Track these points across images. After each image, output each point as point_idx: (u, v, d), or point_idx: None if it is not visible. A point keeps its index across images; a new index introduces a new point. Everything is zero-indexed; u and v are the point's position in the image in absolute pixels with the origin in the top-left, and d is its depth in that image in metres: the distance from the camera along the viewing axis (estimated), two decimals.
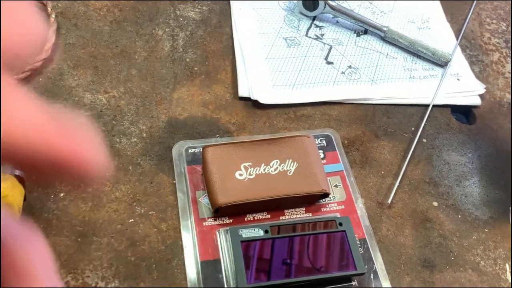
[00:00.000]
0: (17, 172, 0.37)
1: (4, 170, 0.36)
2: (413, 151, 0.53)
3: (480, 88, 0.60)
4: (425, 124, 0.55)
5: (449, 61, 0.61)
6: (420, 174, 0.52)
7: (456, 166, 0.53)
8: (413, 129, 0.55)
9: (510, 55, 0.66)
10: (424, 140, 0.55)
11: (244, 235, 0.41)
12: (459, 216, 0.49)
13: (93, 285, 0.40)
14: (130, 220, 0.44)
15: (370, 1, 0.68)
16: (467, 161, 0.54)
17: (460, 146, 0.55)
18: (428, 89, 0.59)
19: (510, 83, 0.63)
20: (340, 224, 0.44)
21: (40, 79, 0.52)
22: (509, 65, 0.65)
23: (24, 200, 0.41)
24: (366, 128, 0.55)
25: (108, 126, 0.49)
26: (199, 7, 0.63)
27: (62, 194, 0.44)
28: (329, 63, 0.60)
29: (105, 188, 0.45)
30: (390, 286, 0.43)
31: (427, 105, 0.57)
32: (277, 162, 0.46)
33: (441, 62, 0.61)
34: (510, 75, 0.64)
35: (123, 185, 0.46)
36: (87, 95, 0.51)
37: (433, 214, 0.49)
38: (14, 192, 0.37)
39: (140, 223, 0.44)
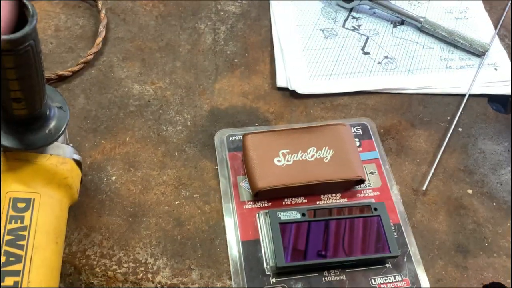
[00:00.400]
0: (75, 156, 0.41)
1: (64, 154, 0.40)
2: (448, 140, 0.54)
3: None
4: (461, 113, 0.56)
5: (486, 51, 0.61)
6: (455, 163, 0.53)
7: (492, 154, 0.54)
8: (449, 118, 0.56)
9: None
10: (460, 129, 0.55)
11: (282, 218, 0.44)
12: (494, 204, 0.50)
13: (143, 261, 0.43)
14: (176, 202, 0.47)
15: None
16: (503, 150, 0.54)
17: (496, 135, 0.55)
18: (465, 79, 0.59)
19: None
20: (375, 209, 0.45)
21: (92, 71, 0.56)
22: None
23: (81, 182, 0.45)
24: (402, 117, 0.56)
25: (155, 115, 0.53)
26: (239, 1, 0.65)
27: (114, 178, 0.48)
28: (365, 53, 0.61)
29: (153, 172, 0.49)
30: (423, 269, 0.45)
31: (464, 95, 0.58)
32: (313, 149, 0.48)
33: (478, 52, 0.61)
34: None
35: (170, 170, 0.49)
36: (135, 86, 0.55)
37: (467, 201, 0.50)
38: (73, 174, 0.40)
39: (186, 205, 0.47)
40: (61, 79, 0.54)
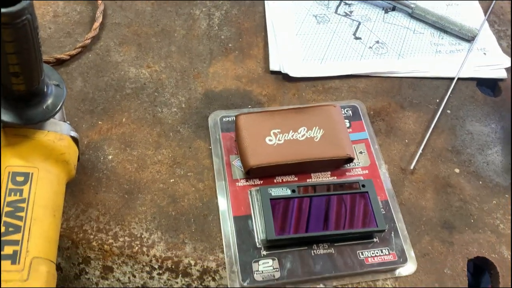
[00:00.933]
0: (72, 134, 0.43)
1: (61, 131, 0.41)
2: (437, 121, 0.55)
3: (507, 61, 0.61)
4: (450, 96, 0.57)
5: (475, 36, 0.62)
6: (443, 143, 0.54)
7: (479, 136, 0.55)
8: (437, 101, 0.57)
9: None
10: (448, 111, 0.57)
11: (273, 194, 0.45)
12: (480, 182, 0.52)
13: (139, 235, 0.45)
14: (171, 180, 0.48)
15: None
16: (491, 131, 0.56)
17: (484, 117, 0.57)
18: (454, 63, 0.60)
19: None
20: (363, 185, 0.47)
21: (90, 55, 0.57)
22: None
23: (78, 160, 0.46)
24: (392, 99, 0.57)
25: (151, 97, 0.54)
26: None
27: (110, 157, 0.49)
28: (357, 38, 0.62)
29: (148, 152, 0.50)
30: (410, 244, 0.46)
31: (453, 78, 0.59)
32: (304, 129, 0.50)
33: (467, 37, 0.63)
34: None
35: (165, 150, 0.50)
36: (131, 70, 0.56)
37: (454, 180, 0.51)
38: (70, 150, 0.42)
39: (180, 182, 0.48)
40: (60, 62, 0.56)
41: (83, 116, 0.52)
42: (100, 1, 0.61)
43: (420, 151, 0.52)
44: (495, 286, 0.46)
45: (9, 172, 0.39)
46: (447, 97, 0.57)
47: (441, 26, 0.64)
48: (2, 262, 0.35)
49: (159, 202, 0.47)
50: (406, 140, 0.54)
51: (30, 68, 0.34)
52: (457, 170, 0.52)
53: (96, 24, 0.59)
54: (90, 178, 0.48)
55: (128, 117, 0.52)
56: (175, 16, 0.62)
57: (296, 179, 0.49)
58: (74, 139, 0.43)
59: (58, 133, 0.41)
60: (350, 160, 0.50)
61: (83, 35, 0.59)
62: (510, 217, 0.50)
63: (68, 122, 0.43)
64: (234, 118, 0.50)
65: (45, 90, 0.39)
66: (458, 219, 0.49)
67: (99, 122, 0.52)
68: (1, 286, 0.35)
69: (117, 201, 0.47)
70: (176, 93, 0.55)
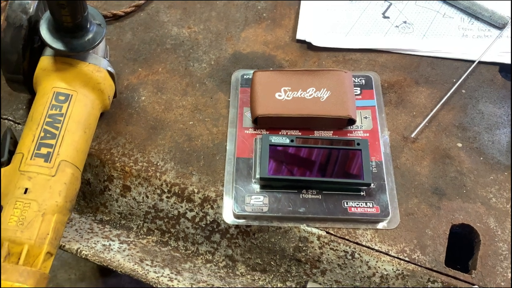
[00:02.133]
0: (109, 68, 0.51)
1: (100, 64, 0.50)
2: (449, 99, 0.57)
3: None
4: (468, 77, 0.59)
5: (506, 23, 0.63)
6: (451, 119, 0.56)
7: (490, 116, 0.56)
8: (454, 80, 0.59)
9: None
10: (463, 91, 0.58)
11: (273, 140, 0.51)
12: (481, 158, 0.53)
13: (155, 162, 0.52)
14: (190, 122, 0.55)
15: None
16: (503, 113, 0.56)
17: (500, 99, 0.58)
18: (479, 47, 0.61)
19: None
20: (358, 144, 0.51)
21: (141, 14, 0.66)
22: None
23: (115, 96, 0.55)
24: (408, 75, 0.60)
25: (186, 53, 0.62)
26: None
27: (143, 98, 0.57)
28: (385, 17, 0.65)
29: (175, 97, 0.57)
30: (397, 203, 0.49)
31: (475, 61, 0.60)
32: (313, 89, 0.54)
33: (498, 24, 0.63)
34: None
35: (190, 97, 0.57)
36: (174, 29, 0.64)
37: (454, 153, 0.53)
38: (105, 82, 0.50)
39: (197, 125, 0.55)
40: (116, 18, 0.65)
41: (127, 63, 0.61)
42: None
43: (424, 122, 0.55)
44: (475, 252, 0.48)
45: (54, 92, 0.48)
46: (463, 76, 0.59)
47: (472, 12, 0.65)
48: (37, 159, 0.44)
49: (177, 138, 0.54)
50: (414, 113, 0.56)
51: (73, 0, 0.43)
52: (459, 144, 0.54)
53: None
54: (123, 112, 0.56)
55: (164, 68, 0.60)
56: None
57: (299, 133, 0.54)
58: (111, 74, 0.51)
59: (97, 65, 0.50)
60: (352, 121, 0.53)
61: None
62: (505, 193, 0.51)
63: (108, 59, 0.51)
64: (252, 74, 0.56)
65: (88, 26, 0.47)
66: (451, 188, 0.51)
67: (139, 69, 0.60)
68: (34, 175, 0.44)
69: (142, 134, 0.54)
70: (209, 51, 0.62)
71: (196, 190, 0.51)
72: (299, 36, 0.63)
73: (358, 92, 0.57)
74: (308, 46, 0.63)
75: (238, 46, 0.62)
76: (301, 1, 0.67)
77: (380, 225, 0.49)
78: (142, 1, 0.66)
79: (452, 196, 0.51)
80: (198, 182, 0.51)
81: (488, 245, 0.48)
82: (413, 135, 0.54)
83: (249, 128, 0.54)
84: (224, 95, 0.58)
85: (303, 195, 0.49)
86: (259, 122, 0.53)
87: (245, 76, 0.58)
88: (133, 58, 0.61)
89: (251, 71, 0.59)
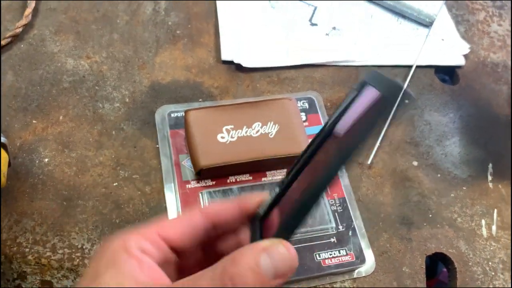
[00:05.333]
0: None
1: None
2: (395, 112, 0.53)
3: (465, 48, 0.60)
4: (408, 85, 0.56)
5: (433, 21, 0.61)
6: (401, 135, 0.53)
7: (438, 126, 0.54)
8: None
9: (496, 14, 0.65)
10: (407, 101, 0.55)
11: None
12: (439, 175, 0.50)
13: (79, 246, 0.41)
14: (114, 184, 0.45)
15: None
16: (449, 121, 0.55)
17: (442, 106, 0.55)
18: (412, 50, 0.59)
19: (495, 43, 0.62)
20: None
21: (21, 45, 0.52)
22: (495, 24, 0.64)
23: (9, 166, 0.42)
24: (349, 90, 0.55)
25: (91, 91, 0.50)
26: None
27: (46, 160, 0.45)
28: (313, 24, 0.59)
29: (89, 153, 0.46)
30: (368, 243, 0.45)
31: (411, 66, 0.57)
32: (259, 124, 0.47)
33: (426, 22, 0.61)
34: (495, 34, 0.63)
35: (107, 150, 0.46)
36: (69, 61, 0.51)
37: (412, 173, 0.50)
38: None
39: (124, 186, 0.45)
40: None
41: (15, 114, 0.47)
42: None
43: (377, 144, 0.51)
44: (453, 281, 0.46)
45: None
46: (405, 86, 0.55)
47: (400, 11, 0.61)
48: None
49: (102, 208, 0.43)
50: None
51: None
52: (415, 163, 0.51)
53: (29, 10, 0.53)
54: (24, 184, 0.43)
55: (65, 115, 0.48)
56: (118, 0, 0.57)
57: (250, 178, 0.46)
58: (2, 145, 0.39)
59: None
60: None
61: (13, 22, 0.53)
62: (468, 210, 0.49)
63: None
64: (184, 113, 0.47)
65: None
66: (417, 214, 0.48)
67: (34, 121, 0.47)
68: None
69: (54, 209, 0.43)
70: (119, 86, 0.51)
71: None
72: (225, 57, 0.54)
73: (304, 118, 0.51)
74: (237, 66, 0.54)
75: (155, 75, 0.52)
76: (219, 15, 0.58)
77: (356, 273, 0.44)
78: (20, 29, 0.52)
79: (420, 223, 0.47)
80: None
81: (464, 272, 0.45)
82: (369, 162, 0.50)
83: (191, 181, 0.45)
84: (150, 141, 0.48)
85: None
86: (203, 173, 0.45)
87: (173, 115, 0.49)
88: (22, 106, 0.48)
89: (179, 107, 0.49)
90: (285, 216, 0.25)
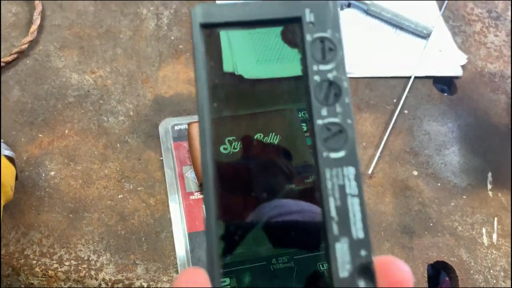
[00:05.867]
0: (7, 152, 0.39)
1: None
2: (394, 122, 0.54)
3: (462, 58, 0.61)
4: (407, 95, 0.57)
5: (431, 33, 0.62)
6: (401, 145, 0.53)
7: (437, 135, 0.55)
8: (395, 100, 0.57)
9: (492, 25, 0.67)
10: (406, 111, 0.56)
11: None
12: (439, 184, 0.51)
13: (86, 258, 0.42)
14: (120, 196, 0.45)
15: None
16: (447, 130, 0.55)
17: (441, 116, 0.56)
18: (411, 61, 0.60)
19: (492, 54, 0.63)
20: None
21: (27, 61, 0.53)
22: (491, 35, 0.65)
23: (16, 179, 0.42)
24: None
25: (95, 105, 0.51)
26: None
27: (52, 173, 0.46)
28: None
29: (94, 166, 0.47)
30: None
31: (409, 77, 0.58)
32: (260, 135, 0.47)
33: (423, 34, 0.62)
34: (492, 45, 0.64)
35: (112, 163, 0.47)
36: (74, 76, 0.52)
37: (413, 183, 0.51)
38: (5, 171, 0.38)
39: (129, 198, 0.45)
40: None
41: (22, 129, 0.48)
42: (37, 1, 0.57)
43: (378, 154, 0.51)
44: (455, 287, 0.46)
45: None
46: (404, 96, 0.56)
47: (397, 23, 0.63)
48: None
49: (107, 220, 0.44)
50: (364, 143, 0.53)
51: None
52: (415, 173, 0.52)
53: (34, 27, 0.54)
54: (31, 197, 0.44)
55: (71, 128, 0.49)
56: (121, 16, 0.58)
57: None
58: (10, 159, 0.39)
59: None
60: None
61: (19, 39, 0.54)
62: (468, 219, 0.50)
63: (2, 141, 0.39)
64: (187, 126, 0.48)
65: None
66: (418, 223, 0.48)
67: (40, 135, 0.48)
68: None
69: (61, 222, 0.43)
70: (123, 100, 0.52)
71: (145, 285, 0.41)
72: (226, 68, 0.55)
73: (305, 128, 0.52)
74: (239, 78, 0.55)
75: (158, 89, 0.53)
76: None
77: None
78: (25, 45, 0.53)
79: (421, 232, 0.48)
80: (145, 274, 0.42)
81: (465, 280, 0.46)
82: (370, 171, 0.50)
83: (195, 193, 0.46)
84: (154, 153, 0.48)
85: (274, 266, 0.43)
86: None
87: (176, 127, 0.49)
88: (29, 121, 0.49)
89: (183, 120, 0.50)
90: None
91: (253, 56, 0.55)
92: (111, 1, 0.59)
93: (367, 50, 0.60)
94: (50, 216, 0.43)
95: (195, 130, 0.47)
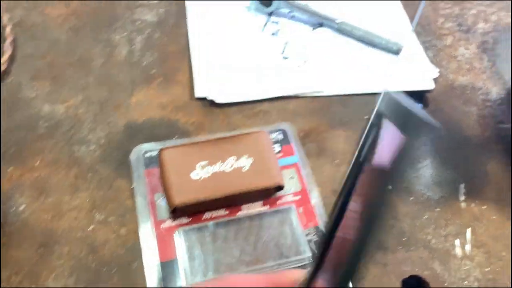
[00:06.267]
0: None
1: None
2: (366, 138, 0.55)
3: (434, 72, 0.62)
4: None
5: (401, 48, 0.62)
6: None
7: (410, 149, 0.55)
8: (366, 117, 0.57)
9: (463, 38, 0.67)
10: (390, 187, 0.56)
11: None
12: (412, 198, 0.51)
13: None
14: (90, 227, 0.45)
15: None
16: (419, 144, 0.56)
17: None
18: (383, 77, 0.60)
19: (462, 66, 0.64)
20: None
21: None
22: (462, 48, 0.66)
23: None
24: (322, 119, 0.56)
25: (66, 135, 0.51)
26: (156, 9, 0.63)
27: (22, 207, 0.46)
28: (285, 58, 0.61)
29: (65, 197, 0.47)
30: None
31: (381, 93, 0.59)
32: (233, 158, 0.48)
33: (394, 50, 0.63)
34: (462, 58, 0.65)
35: (82, 193, 0.47)
36: (45, 106, 0.53)
37: (387, 197, 0.51)
38: None
39: (100, 229, 0.45)
40: None
41: None
42: (8, 31, 0.57)
43: (348, 170, 0.51)
44: None
45: None
46: (374, 112, 0.57)
47: (368, 41, 0.63)
48: None
49: (77, 253, 0.44)
50: (337, 161, 0.53)
51: None
52: (389, 187, 0.52)
53: (5, 57, 0.55)
54: None
55: (42, 160, 0.49)
56: (93, 43, 0.59)
57: (226, 212, 0.47)
58: None
59: None
60: (280, 188, 0.48)
61: None
62: (442, 231, 0.50)
63: None
64: (158, 152, 0.48)
65: None
66: (391, 238, 0.48)
67: (10, 168, 0.48)
68: None
69: (31, 257, 0.43)
70: (95, 128, 0.52)
71: None
72: (198, 93, 0.56)
73: (278, 149, 0.52)
74: (211, 102, 0.56)
75: (130, 115, 0.53)
76: (191, 52, 0.59)
77: None
78: None
79: (395, 247, 0.48)
80: None
81: None
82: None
83: (166, 220, 0.46)
84: (125, 181, 0.48)
85: None
86: (178, 211, 0.45)
87: (147, 154, 0.49)
88: None
89: (155, 146, 0.50)
90: (334, 272, 0.22)
91: None
92: (84, 29, 0.60)
93: (340, 67, 0.61)
94: (19, 252, 0.43)
95: (166, 156, 0.47)
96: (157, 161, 0.48)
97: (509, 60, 0.64)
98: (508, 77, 0.63)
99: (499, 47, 0.67)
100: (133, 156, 0.50)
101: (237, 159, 0.47)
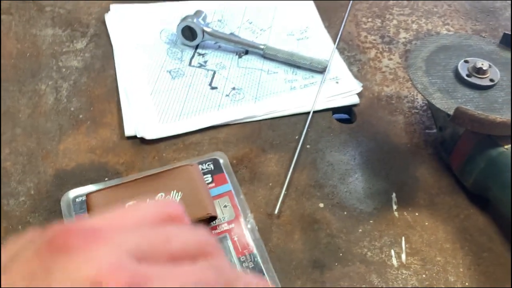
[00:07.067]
0: None
1: None
2: (298, 158, 0.56)
3: (358, 87, 0.64)
4: (307, 130, 0.59)
5: (326, 67, 0.65)
6: (306, 179, 0.55)
7: (339, 165, 0.57)
8: (297, 137, 0.58)
9: (386, 50, 0.70)
10: (308, 146, 0.58)
11: None
12: (345, 213, 0.53)
13: None
14: None
15: (249, 21, 0.71)
16: (349, 158, 0.57)
17: (342, 145, 0.58)
18: (309, 97, 0.62)
19: (387, 77, 0.67)
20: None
21: None
22: (386, 59, 0.69)
23: None
24: (253, 144, 0.58)
25: None
26: (81, 55, 0.64)
27: None
28: (213, 88, 0.62)
29: None
30: None
31: (309, 113, 0.60)
32: (161, 195, 0.48)
33: (319, 69, 0.65)
34: (387, 69, 0.68)
35: None
36: None
37: (320, 215, 0.52)
38: None
39: None
40: None
41: None
42: None
43: (282, 193, 0.53)
44: None
45: None
46: (304, 132, 0.58)
47: (293, 62, 0.65)
48: None
49: None
50: (270, 184, 0.54)
51: None
52: (321, 205, 0.53)
53: None
54: None
55: None
56: (19, 95, 0.59)
57: None
58: None
59: None
60: (213, 218, 0.49)
61: None
62: (376, 243, 0.51)
63: None
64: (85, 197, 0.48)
65: None
66: (327, 256, 0.49)
67: None
68: None
69: None
70: (24, 180, 0.51)
71: None
72: (128, 132, 0.56)
73: (210, 179, 0.52)
74: (141, 140, 0.56)
75: (59, 163, 0.53)
76: (120, 91, 0.60)
77: None
78: None
79: (332, 264, 0.49)
80: None
81: None
82: (276, 211, 0.51)
83: None
84: None
85: None
86: None
87: (78, 199, 0.49)
88: None
89: (83, 190, 0.50)
90: None
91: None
92: (8, 81, 0.60)
93: (268, 91, 0.62)
94: None
95: (94, 200, 0.47)
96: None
97: None
98: None
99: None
100: (63, 203, 0.49)
101: (165, 196, 0.48)
